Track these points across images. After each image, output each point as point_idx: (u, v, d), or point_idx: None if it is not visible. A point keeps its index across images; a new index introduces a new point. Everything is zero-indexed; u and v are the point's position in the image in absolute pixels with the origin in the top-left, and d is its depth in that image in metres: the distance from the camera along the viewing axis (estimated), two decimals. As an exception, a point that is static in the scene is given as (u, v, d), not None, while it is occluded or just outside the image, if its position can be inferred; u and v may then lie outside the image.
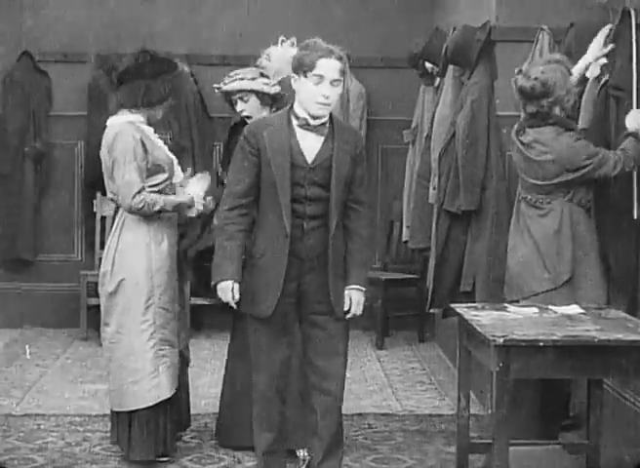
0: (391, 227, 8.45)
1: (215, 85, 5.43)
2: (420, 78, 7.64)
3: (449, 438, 5.44)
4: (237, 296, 4.41)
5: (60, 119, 8.50)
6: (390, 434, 5.63)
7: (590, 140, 4.85)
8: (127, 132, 4.94)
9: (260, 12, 8.40)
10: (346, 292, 4.47)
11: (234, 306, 4.44)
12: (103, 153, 5.03)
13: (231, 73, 5.38)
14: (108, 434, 5.32)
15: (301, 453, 5.06)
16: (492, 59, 6.21)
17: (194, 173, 5.27)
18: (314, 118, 4.38)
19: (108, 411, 5.20)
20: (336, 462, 4.57)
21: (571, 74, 4.91)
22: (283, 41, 5.25)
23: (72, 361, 7.40)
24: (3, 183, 8.40)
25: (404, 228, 7.91)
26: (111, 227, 5.14)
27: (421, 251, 7.06)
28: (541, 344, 3.98)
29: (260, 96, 5.30)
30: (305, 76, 4.33)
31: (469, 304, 4.82)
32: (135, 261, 4.96)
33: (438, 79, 7.11)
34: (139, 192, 4.89)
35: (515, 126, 5.03)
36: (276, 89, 5.29)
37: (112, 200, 5.11)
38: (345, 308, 4.47)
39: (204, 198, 5.11)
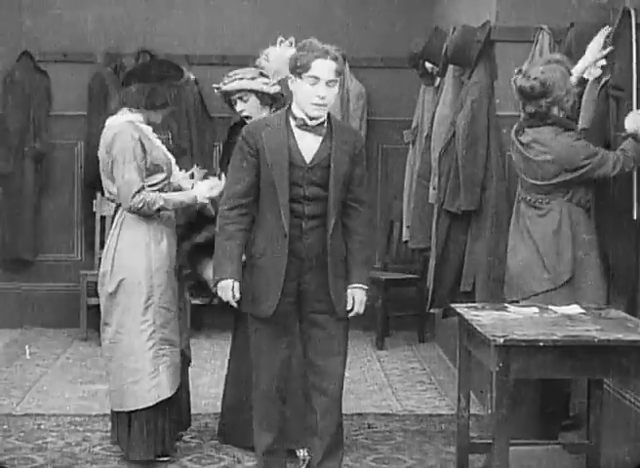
0: (391, 227, 8.45)
1: (214, 85, 5.43)
2: (420, 78, 7.64)
3: (449, 438, 5.45)
4: (237, 295, 4.42)
5: (60, 119, 8.50)
6: (390, 434, 5.63)
7: (590, 140, 4.85)
8: (126, 131, 4.95)
9: (259, 12, 8.39)
10: (349, 291, 4.49)
11: (235, 305, 4.45)
12: (102, 153, 5.03)
13: (230, 73, 5.37)
14: (108, 434, 5.33)
15: (301, 453, 5.06)
16: (492, 59, 6.21)
17: (206, 176, 5.25)
18: (311, 119, 4.39)
19: (108, 411, 5.20)
20: (336, 462, 4.57)
21: (571, 74, 4.91)
22: (282, 41, 5.26)
23: (72, 361, 7.40)
24: (3, 183, 8.40)
25: (404, 228, 7.91)
26: (111, 227, 5.14)
27: (421, 251, 7.07)
28: (541, 344, 3.98)
29: (260, 95, 5.30)
30: (301, 77, 4.34)
31: (469, 304, 4.82)
32: (134, 261, 4.96)
33: (438, 79, 7.11)
34: (138, 191, 4.90)
35: (514, 126, 5.03)
36: (276, 88, 5.29)
37: (110, 200, 5.11)
38: (348, 307, 4.48)
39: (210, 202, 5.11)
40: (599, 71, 4.96)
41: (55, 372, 7.04)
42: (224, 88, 5.34)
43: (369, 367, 7.28)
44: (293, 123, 4.42)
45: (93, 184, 7.75)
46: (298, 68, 4.34)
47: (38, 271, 8.56)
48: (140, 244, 4.98)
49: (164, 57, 7.54)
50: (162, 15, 8.44)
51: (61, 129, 8.49)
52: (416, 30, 7.97)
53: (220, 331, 7.72)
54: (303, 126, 4.41)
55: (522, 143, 4.93)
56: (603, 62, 4.95)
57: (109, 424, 5.24)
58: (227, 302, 4.45)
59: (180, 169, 5.26)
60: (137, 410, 4.97)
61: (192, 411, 5.36)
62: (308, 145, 4.41)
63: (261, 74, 5.32)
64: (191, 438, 5.46)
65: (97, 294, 5.25)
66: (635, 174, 4.82)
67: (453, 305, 4.75)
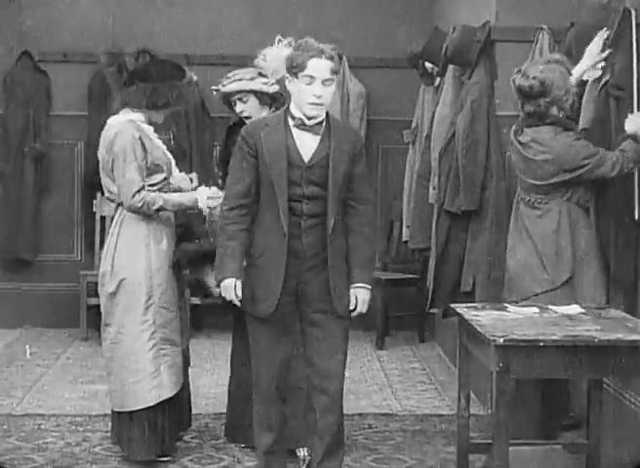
0: (391, 227, 8.45)
1: (213, 87, 5.41)
2: (420, 78, 7.64)
3: (449, 438, 5.45)
4: (240, 294, 4.42)
5: (60, 119, 8.50)
6: (390, 434, 5.63)
7: (591, 140, 4.85)
8: (127, 131, 4.95)
9: (259, 12, 8.39)
10: (352, 290, 4.49)
11: (238, 304, 4.45)
12: (102, 152, 5.03)
13: (229, 74, 5.35)
14: (109, 434, 5.33)
15: (302, 453, 5.06)
16: (492, 59, 6.21)
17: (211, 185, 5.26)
18: (309, 118, 4.40)
19: (109, 411, 5.20)
20: (336, 462, 4.57)
21: (571, 75, 4.91)
22: (280, 41, 5.25)
23: (72, 361, 7.40)
24: (3, 183, 8.41)
25: (404, 228, 7.91)
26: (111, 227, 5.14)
27: (421, 251, 7.06)
28: (542, 344, 3.98)
29: (259, 96, 5.29)
30: (297, 77, 4.36)
31: (469, 304, 4.82)
32: (134, 261, 4.96)
33: (438, 79, 7.11)
34: (139, 191, 4.90)
35: (513, 126, 5.03)
36: (275, 88, 5.28)
37: (110, 199, 5.11)
38: (351, 307, 4.49)
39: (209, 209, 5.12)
40: (599, 72, 4.96)
41: (55, 372, 7.04)
42: (224, 89, 5.33)
43: (369, 367, 7.28)
44: (291, 123, 4.43)
45: (93, 184, 7.76)
46: (294, 68, 4.36)
47: (38, 271, 8.57)
48: (139, 243, 4.98)
49: (164, 56, 7.53)
50: (162, 15, 8.44)
51: (61, 129, 8.50)
52: (416, 30, 7.97)
53: (220, 331, 7.72)
54: (302, 125, 4.42)
55: (521, 143, 4.92)
56: (602, 64, 4.94)
57: (110, 424, 5.24)
58: (231, 301, 4.45)
59: (180, 170, 5.26)
60: (138, 410, 4.97)
61: (192, 412, 5.36)
62: (307, 145, 4.42)
63: (260, 74, 5.31)
64: (191, 438, 5.46)
65: (97, 294, 5.25)
66: (637, 174, 4.82)
67: (453, 305, 4.75)
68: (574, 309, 4.53)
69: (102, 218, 8.10)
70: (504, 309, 4.54)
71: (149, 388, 4.95)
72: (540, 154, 4.84)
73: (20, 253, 8.49)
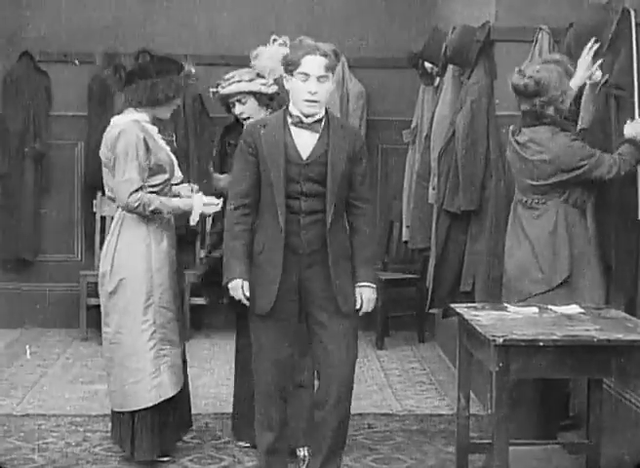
0: (391, 227, 8.45)
1: (211, 89, 5.40)
2: (420, 78, 7.64)
3: (449, 438, 5.44)
4: (248, 293, 4.43)
5: (60, 119, 8.50)
6: (390, 434, 5.63)
7: (591, 140, 4.85)
8: (131, 130, 4.94)
9: (259, 12, 8.39)
10: (357, 289, 4.50)
11: (247, 303, 4.46)
12: (104, 150, 5.02)
13: (227, 76, 5.33)
14: (109, 434, 5.33)
15: (302, 453, 5.06)
16: (491, 59, 6.21)
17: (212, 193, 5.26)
18: (307, 116, 4.41)
19: (109, 411, 5.20)
20: (336, 463, 4.57)
21: (571, 74, 4.90)
22: (274, 40, 5.24)
23: (72, 361, 7.40)
24: (3, 183, 8.41)
25: (404, 228, 7.90)
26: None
27: (421, 251, 7.06)
28: (541, 344, 3.98)
29: (258, 97, 5.27)
30: (292, 75, 4.38)
31: (469, 304, 4.82)
32: (134, 261, 4.96)
33: (438, 79, 7.11)
34: (136, 191, 4.89)
35: (511, 126, 5.03)
36: (274, 89, 5.27)
37: (111, 199, 5.11)
38: (357, 306, 4.50)
39: (205, 215, 5.13)
40: (599, 74, 4.96)
41: (55, 372, 7.04)
42: (223, 91, 5.31)
43: (369, 367, 7.28)
44: (290, 121, 4.45)
45: (93, 184, 7.78)
46: (289, 66, 4.38)
47: (38, 271, 8.56)
48: (139, 244, 4.97)
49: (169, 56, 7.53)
50: (162, 15, 8.44)
51: (61, 129, 8.49)
52: (416, 30, 7.97)
53: (220, 331, 7.72)
54: (300, 123, 4.43)
55: (519, 143, 4.92)
56: (599, 74, 4.94)
57: (110, 424, 5.24)
58: (239, 301, 4.46)
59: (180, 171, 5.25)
60: (138, 410, 4.97)
61: (192, 411, 5.36)
62: (305, 142, 4.44)
63: (258, 75, 5.31)
64: (191, 438, 5.46)
65: (97, 294, 5.25)
66: (639, 175, 4.82)
67: (452, 305, 4.75)
68: (573, 309, 4.53)
69: (103, 218, 8.10)
70: (504, 309, 4.55)
71: (149, 388, 4.95)
72: (537, 154, 4.84)
73: (21, 252, 8.48)
